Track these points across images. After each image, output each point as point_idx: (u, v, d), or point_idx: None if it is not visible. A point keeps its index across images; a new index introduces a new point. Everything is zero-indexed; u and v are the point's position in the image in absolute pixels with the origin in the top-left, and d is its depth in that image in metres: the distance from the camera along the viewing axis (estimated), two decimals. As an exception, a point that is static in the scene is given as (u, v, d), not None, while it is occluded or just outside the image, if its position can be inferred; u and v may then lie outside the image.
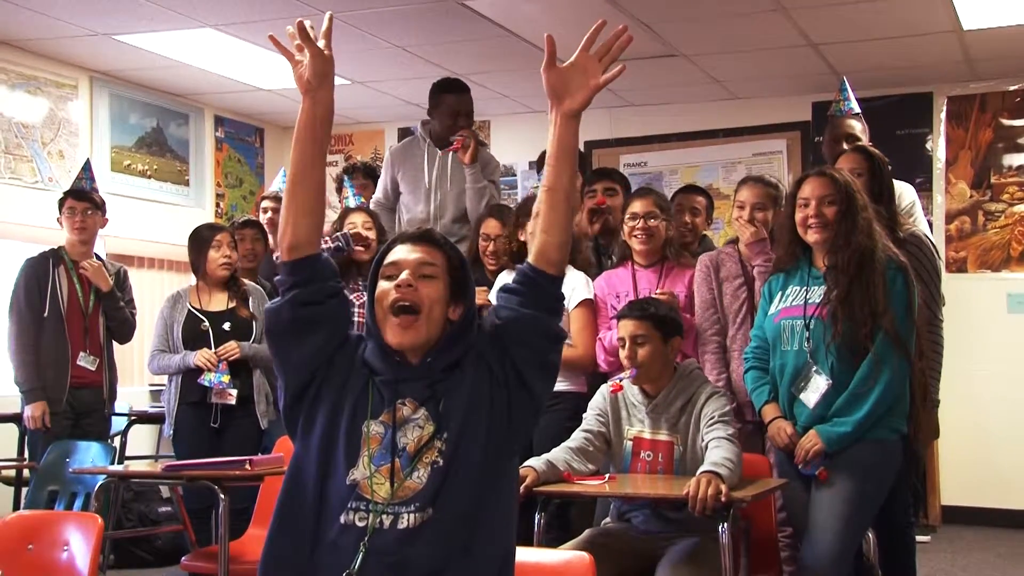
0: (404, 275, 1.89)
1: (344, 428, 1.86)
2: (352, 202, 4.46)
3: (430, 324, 1.89)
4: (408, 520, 1.77)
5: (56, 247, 4.68)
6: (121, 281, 4.81)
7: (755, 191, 3.55)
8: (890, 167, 3.56)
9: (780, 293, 3.12)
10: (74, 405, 4.59)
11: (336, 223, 4.29)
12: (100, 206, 4.79)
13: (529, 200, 3.89)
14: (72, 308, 4.59)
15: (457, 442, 1.82)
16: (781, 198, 3.59)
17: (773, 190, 3.60)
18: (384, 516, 1.77)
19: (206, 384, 4.18)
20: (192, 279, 4.45)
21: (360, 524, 1.78)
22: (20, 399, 4.58)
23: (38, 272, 4.57)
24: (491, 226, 4.08)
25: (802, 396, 3.01)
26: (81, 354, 4.58)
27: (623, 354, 3.13)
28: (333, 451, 1.85)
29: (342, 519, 1.79)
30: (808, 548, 2.96)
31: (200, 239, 4.38)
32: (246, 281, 4.49)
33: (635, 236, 3.71)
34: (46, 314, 4.52)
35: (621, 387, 3.16)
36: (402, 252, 1.93)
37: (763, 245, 3.48)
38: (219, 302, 4.36)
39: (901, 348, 2.92)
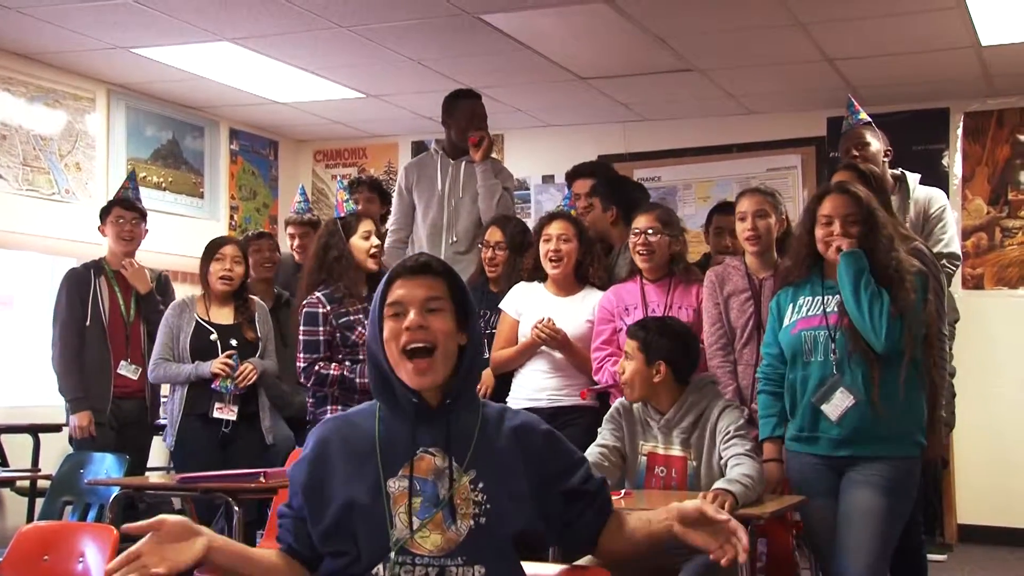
0: (412, 315, 1.84)
1: (362, 505, 1.80)
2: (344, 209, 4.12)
3: (446, 359, 1.86)
4: (456, 572, 1.76)
5: (98, 259, 4.69)
6: (163, 286, 4.80)
7: (754, 199, 3.55)
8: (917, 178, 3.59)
9: (791, 305, 3.11)
10: (118, 416, 4.56)
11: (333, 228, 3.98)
12: (144, 216, 4.80)
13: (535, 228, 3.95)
14: (114, 317, 4.58)
15: (493, 496, 1.82)
16: (780, 204, 3.60)
17: (771, 197, 3.60)
18: (431, 569, 1.75)
19: (222, 391, 4.14)
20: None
21: None
22: (65, 409, 4.55)
23: (79, 283, 4.56)
24: (494, 234, 4.15)
25: (824, 408, 2.99)
26: (123, 363, 4.55)
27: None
28: (356, 529, 1.80)
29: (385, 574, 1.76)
30: (842, 568, 2.93)
31: (207, 250, 4.35)
32: (253, 297, 4.44)
33: (637, 252, 3.73)
34: (88, 323, 4.50)
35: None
36: (405, 289, 1.87)
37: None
38: (226, 316, 4.31)
39: (922, 355, 2.98)
